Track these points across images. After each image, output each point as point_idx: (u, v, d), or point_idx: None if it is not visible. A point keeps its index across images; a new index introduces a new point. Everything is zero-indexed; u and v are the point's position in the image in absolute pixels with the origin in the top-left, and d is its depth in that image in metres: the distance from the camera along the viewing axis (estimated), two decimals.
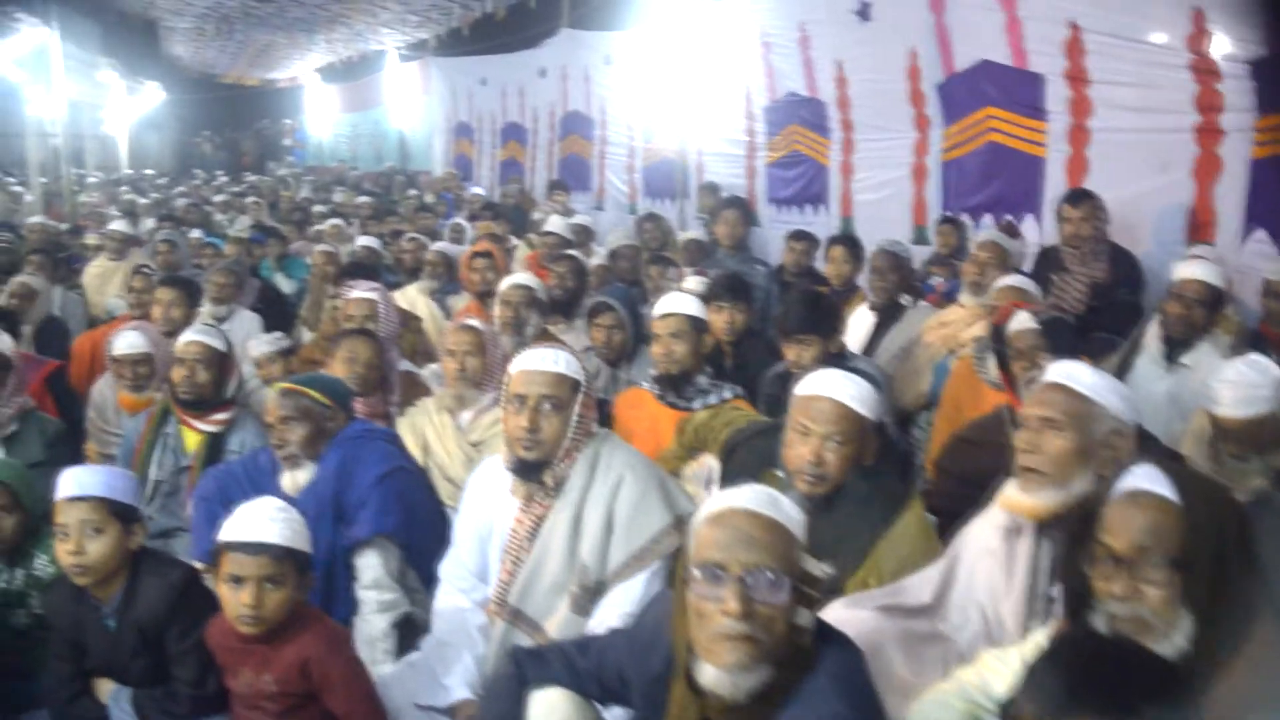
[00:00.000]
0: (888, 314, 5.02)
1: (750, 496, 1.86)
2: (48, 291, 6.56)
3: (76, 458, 4.59)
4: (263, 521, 2.49)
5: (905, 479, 2.79)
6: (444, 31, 16.67)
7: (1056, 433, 2.32)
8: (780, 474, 2.70)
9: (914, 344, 4.66)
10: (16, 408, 4.02)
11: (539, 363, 2.80)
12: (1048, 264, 5.21)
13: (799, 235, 6.44)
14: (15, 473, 3.25)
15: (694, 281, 5.61)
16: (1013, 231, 6.10)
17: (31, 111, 13.13)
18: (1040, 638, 2.04)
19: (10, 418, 3.98)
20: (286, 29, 17.39)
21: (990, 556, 2.43)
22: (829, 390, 2.61)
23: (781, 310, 4.05)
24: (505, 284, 4.89)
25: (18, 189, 14.04)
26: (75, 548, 2.74)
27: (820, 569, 1.91)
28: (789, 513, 1.87)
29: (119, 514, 2.80)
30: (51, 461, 3.94)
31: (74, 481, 2.80)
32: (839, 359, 3.91)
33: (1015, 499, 2.36)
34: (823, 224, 8.12)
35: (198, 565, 3.12)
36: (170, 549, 3.77)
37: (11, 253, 8.08)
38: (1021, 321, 3.37)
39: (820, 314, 3.91)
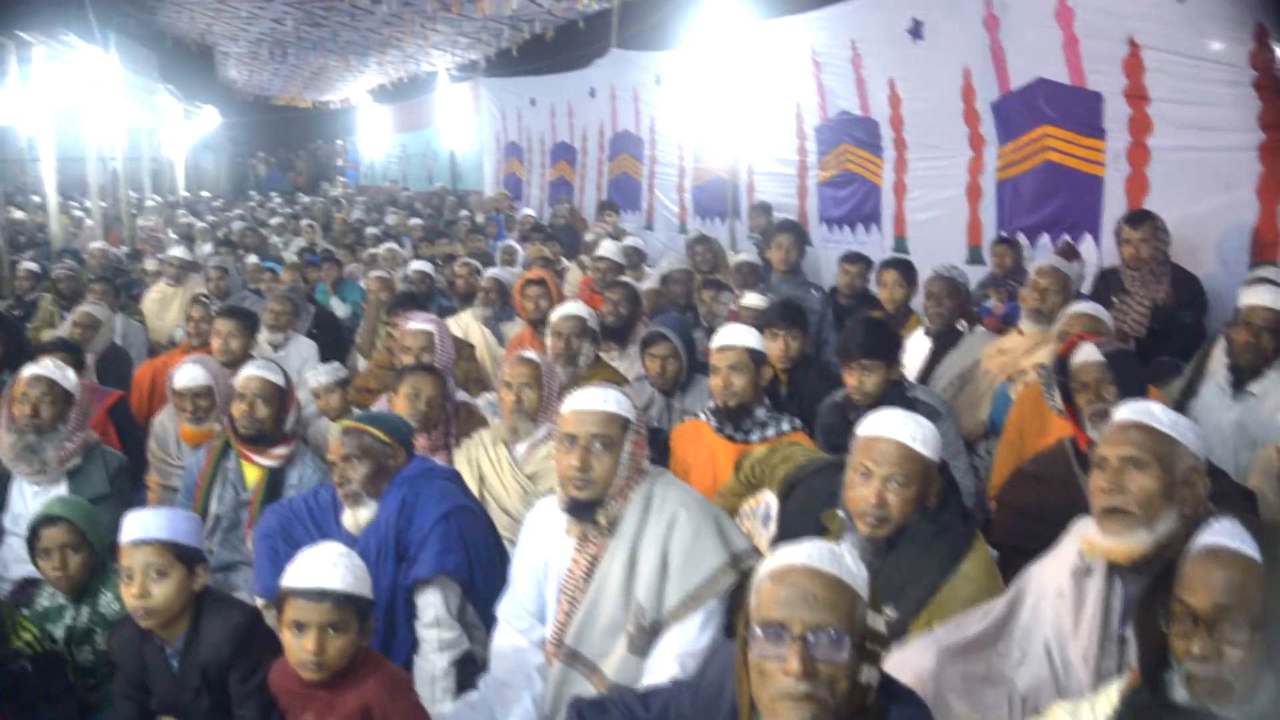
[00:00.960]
0: (944, 340, 4.95)
1: (812, 553, 1.84)
2: (110, 320, 6.66)
3: (139, 490, 4.67)
4: (325, 568, 2.51)
5: (968, 519, 2.73)
6: (494, 52, 16.79)
7: (1141, 472, 2.27)
8: (841, 514, 2.68)
9: (972, 371, 4.59)
10: (80, 442, 4.04)
11: (589, 402, 2.80)
12: (1107, 286, 5.14)
13: (853, 258, 6.38)
14: (80, 511, 3.31)
15: (754, 298, 5.58)
16: (1071, 252, 6.01)
17: (91, 137, 13.39)
18: (1112, 692, 1.99)
19: (74, 452, 4.01)
20: (339, 52, 17.60)
21: (1058, 597, 2.38)
22: (891, 431, 2.57)
23: (843, 336, 4.01)
24: (556, 315, 4.90)
25: (79, 214, 14.31)
26: (140, 591, 2.78)
27: (885, 620, 1.89)
28: (852, 569, 1.84)
29: (182, 556, 2.84)
30: (115, 495, 4.01)
31: (138, 525, 2.84)
32: (899, 386, 3.88)
33: (1100, 543, 2.30)
34: (875, 244, 8.07)
35: (259, 601, 3.16)
36: (231, 583, 3.82)
37: (74, 280, 8.22)
38: (1087, 354, 3.30)
39: (882, 339, 3.88)
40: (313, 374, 4.99)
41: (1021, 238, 6.62)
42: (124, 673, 3.00)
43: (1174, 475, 2.27)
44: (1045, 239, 6.51)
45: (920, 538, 2.56)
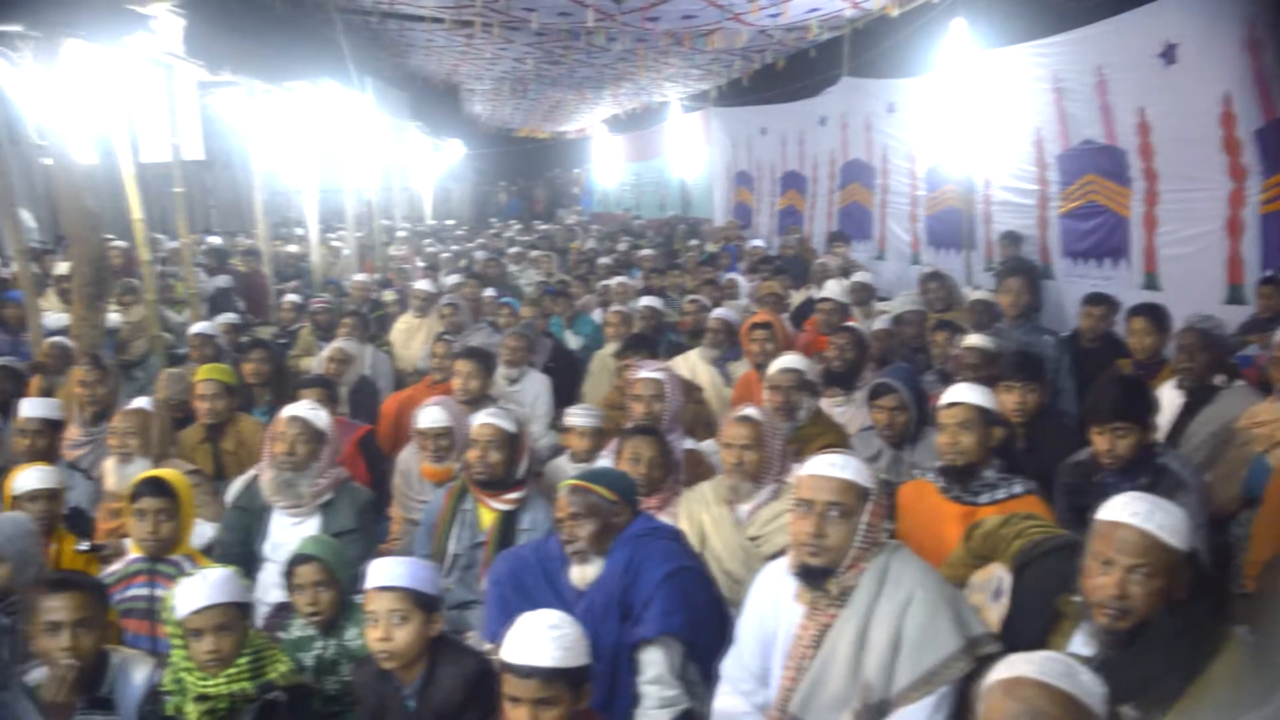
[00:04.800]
0: (1198, 395, 4.61)
1: (1045, 666, 1.76)
2: (361, 354, 7.06)
3: (382, 521, 4.93)
4: (536, 642, 2.53)
5: (1221, 614, 2.52)
6: (724, 83, 16.91)
7: None
8: (1078, 599, 2.53)
9: (1227, 435, 4.25)
10: (332, 479, 4.29)
11: (828, 468, 2.77)
12: None
13: (1096, 299, 6.05)
14: (332, 550, 3.53)
15: (978, 338, 5.36)
16: None
17: (349, 172, 14.30)
18: None
19: (326, 488, 4.26)
20: (575, 87, 18.14)
21: None
22: (1135, 518, 2.41)
23: (1093, 395, 3.78)
24: (773, 368, 4.84)
25: (337, 244, 15.28)
26: (384, 634, 3.00)
27: None
28: (1086, 684, 1.75)
29: (422, 603, 3.03)
30: (361, 529, 4.26)
31: (384, 572, 3.06)
32: (1149, 450, 3.65)
33: None
34: (1123, 279, 7.66)
35: (488, 646, 3.29)
36: (465, 620, 3.99)
37: (330, 312, 8.76)
38: None
39: (1137, 401, 3.66)
40: (576, 413, 4.96)
41: None
42: (365, 709, 3.20)
43: None
44: None
45: (1166, 633, 2.38)
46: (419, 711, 3.04)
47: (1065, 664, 1.76)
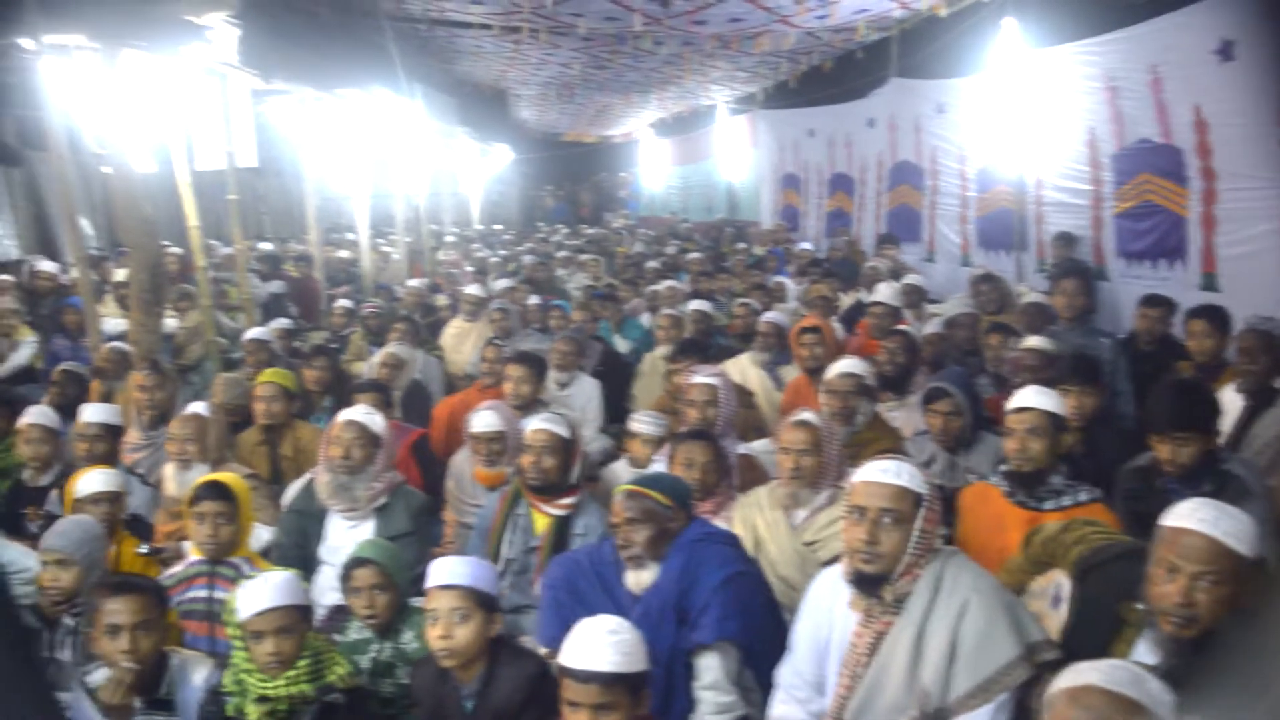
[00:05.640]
0: (1260, 399, 4.53)
1: (1112, 674, 1.73)
2: (413, 358, 7.11)
3: (436, 524, 4.96)
4: (596, 647, 2.54)
5: None
6: (771, 85, 16.84)
7: None
8: (1141, 607, 2.49)
9: None
10: (387, 482, 4.33)
11: (881, 474, 2.74)
12: None
13: (1153, 301, 5.95)
14: (389, 554, 3.55)
15: (1038, 340, 5.27)
16: None
17: (399, 177, 14.42)
18: None
19: (381, 491, 4.30)
20: (622, 91, 18.13)
21: None
22: (1201, 524, 2.37)
23: (1151, 403, 3.71)
24: (832, 372, 4.79)
25: (387, 249, 15.41)
26: (445, 632, 3.04)
27: None
28: (1154, 694, 1.72)
29: (483, 603, 3.07)
30: (416, 533, 4.29)
31: (446, 571, 3.10)
32: (1212, 455, 3.58)
33: None
34: (1180, 280, 7.52)
35: (543, 650, 3.30)
36: (520, 625, 4.00)
37: (380, 317, 8.83)
38: None
39: (1197, 408, 3.59)
40: (642, 420, 4.92)
41: None
42: (423, 710, 3.22)
43: None
44: None
45: (1234, 642, 2.34)
46: (477, 713, 3.07)
47: (1132, 672, 1.73)
